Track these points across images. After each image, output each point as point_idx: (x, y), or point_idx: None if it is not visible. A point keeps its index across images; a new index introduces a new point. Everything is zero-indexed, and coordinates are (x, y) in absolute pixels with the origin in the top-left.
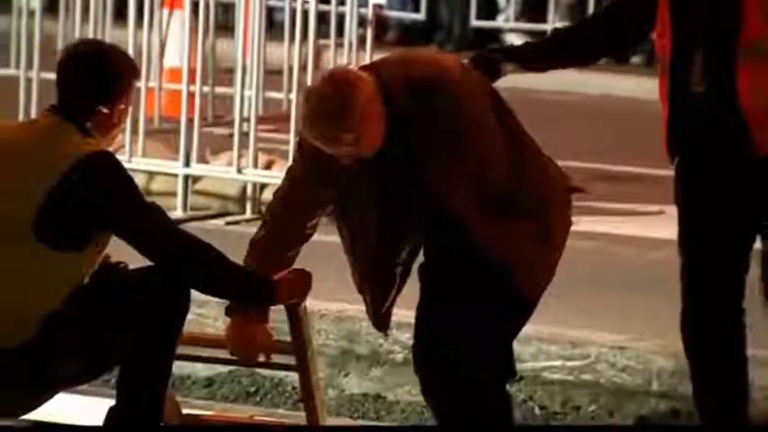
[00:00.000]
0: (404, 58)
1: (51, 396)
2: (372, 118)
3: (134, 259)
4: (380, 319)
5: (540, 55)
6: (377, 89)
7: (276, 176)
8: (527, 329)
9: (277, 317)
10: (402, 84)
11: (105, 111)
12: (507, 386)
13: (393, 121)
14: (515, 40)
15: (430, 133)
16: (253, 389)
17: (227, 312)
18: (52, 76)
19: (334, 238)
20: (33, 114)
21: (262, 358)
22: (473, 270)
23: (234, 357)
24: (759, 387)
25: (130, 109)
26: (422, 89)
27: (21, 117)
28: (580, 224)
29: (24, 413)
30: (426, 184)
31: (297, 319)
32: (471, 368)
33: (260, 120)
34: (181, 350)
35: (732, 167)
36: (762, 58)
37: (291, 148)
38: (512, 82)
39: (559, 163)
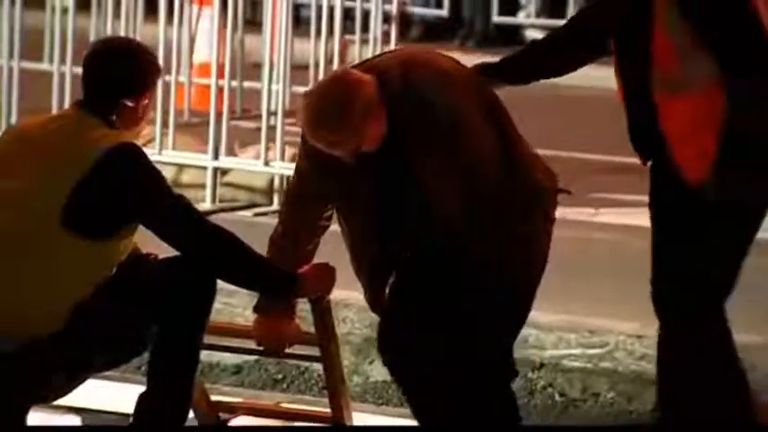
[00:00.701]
0: (403, 58)
1: (81, 382)
2: (373, 120)
3: (162, 251)
4: (376, 302)
5: (519, 71)
6: (377, 90)
7: None
8: (548, 319)
9: (304, 306)
10: (401, 85)
11: (130, 104)
12: (531, 375)
13: (391, 122)
14: (537, 35)
15: (425, 135)
16: (280, 376)
17: (255, 310)
18: None
19: None
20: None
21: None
22: (460, 269)
23: (261, 348)
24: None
25: (160, 103)
26: (420, 91)
27: (54, 110)
28: (599, 216)
29: (55, 399)
30: (420, 184)
31: (321, 312)
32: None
33: (287, 113)
34: (209, 340)
35: (671, 187)
36: (675, 90)
37: None
38: None
39: (579, 156)
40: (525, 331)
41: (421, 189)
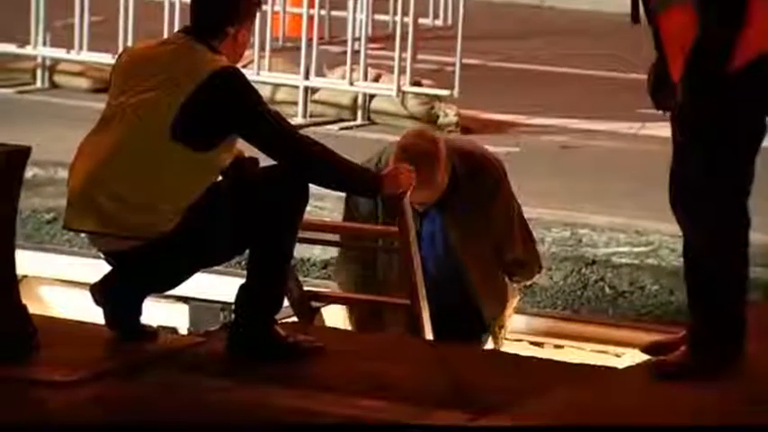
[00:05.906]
0: (451, 139)
1: (191, 275)
2: (446, 171)
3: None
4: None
5: None
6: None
7: (383, 88)
8: (600, 220)
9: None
10: (454, 157)
11: (232, 32)
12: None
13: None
14: None
15: (470, 201)
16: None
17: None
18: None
19: None
20: None
21: None
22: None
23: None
24: None
25: (259, 30)
26: (469, 167)
27: (165, 36)
28: (645, 129)
29: (168, 289)
30: (449, 242)
31: (400, 209)
32: None
33: (369, 39)
34: (301, 234)
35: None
36: (665, 6)
37: (396, 64)
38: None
39: (624, 76)
40: (580, 231)
41: (447, 245)
